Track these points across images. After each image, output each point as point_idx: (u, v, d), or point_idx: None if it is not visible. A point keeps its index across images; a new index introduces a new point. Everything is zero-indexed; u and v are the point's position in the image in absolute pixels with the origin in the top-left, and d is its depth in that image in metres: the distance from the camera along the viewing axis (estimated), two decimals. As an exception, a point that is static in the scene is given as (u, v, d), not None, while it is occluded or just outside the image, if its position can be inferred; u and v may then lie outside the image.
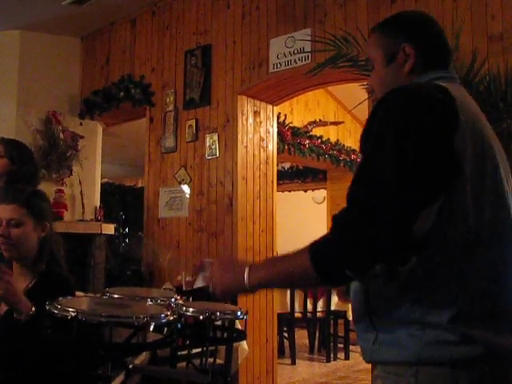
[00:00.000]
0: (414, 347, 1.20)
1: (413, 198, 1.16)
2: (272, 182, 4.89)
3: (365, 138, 1.26)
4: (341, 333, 6.46)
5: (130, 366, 2.26)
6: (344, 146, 7.12)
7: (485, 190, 1.26)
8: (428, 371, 1.20)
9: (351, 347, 6.52)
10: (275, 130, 5.01)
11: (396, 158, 1.16)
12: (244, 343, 3.60)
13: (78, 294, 2.54)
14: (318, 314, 6.31)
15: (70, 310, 1.71)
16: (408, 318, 1.22)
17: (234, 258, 1.46)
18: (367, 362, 1.36)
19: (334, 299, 6.19)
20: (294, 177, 8.96)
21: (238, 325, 3.20)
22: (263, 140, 4.82)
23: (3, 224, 2.19)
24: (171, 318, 1.90)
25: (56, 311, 1.73)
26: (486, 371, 1.21)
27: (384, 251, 1.16)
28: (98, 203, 5.81)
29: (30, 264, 2.24)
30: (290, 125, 6.17)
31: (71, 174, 5.51)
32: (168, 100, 5.07)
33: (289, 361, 6.03)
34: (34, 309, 1.99)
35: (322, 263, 1.21)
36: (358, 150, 1.43)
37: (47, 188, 5.09)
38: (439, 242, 1.20)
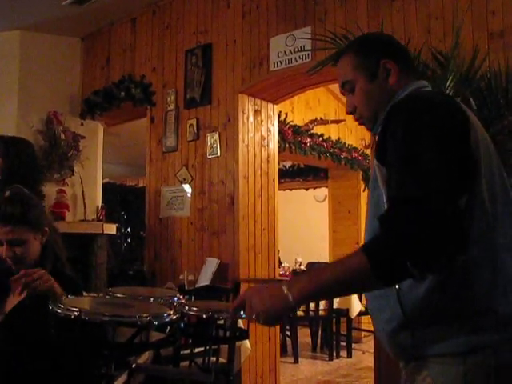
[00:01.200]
0: (457, 337, 1.26)
1: (459, 190, 1.21)
2: (273, 180, 4.89)
3: (390, 143, 1.29)
4: (343, 331, 6.46)
5: (133, 366, 2.26)
6: (345, 144, 7.11)
7: (495, 186, 1.33)
8: (475, 357, 1.25)
9: (354, 345, 6.53)
10: (276, 128, 5.01)
11: (437, 155, 1.21)
12: (246, 342, 3.60)
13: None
14: (321, 313, 6.30)
15: (74, 309, 1.71)
16: (446, 310, 1.27)
17: (261, 285, 1.38)
18: (408, 360, 1.39)
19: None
20: (295, 175, 8.95)
21: (241, 324, 3.21)
22: (264, 139, 4.82)
23: (4, 245, 2.16)
24: (174, 318, 1.90)
25: (59, 311, 1.73)
26: None
27: (446, 241, 1.15)
28: (99, 203, 5.81)
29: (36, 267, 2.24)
30: (291, 123, 6.16)
31: (72, 175, 5.51)
32: (169, 99, 5.07)
33: (291, 359, 6.03)
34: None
35: (380, 260, 1.18)
36: (374, 156, 1.44)
37: (49, 188, 5.10)
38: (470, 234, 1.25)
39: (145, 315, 1.81)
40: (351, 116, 1.59)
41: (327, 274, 1.26)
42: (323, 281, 1.25)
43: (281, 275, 6.53)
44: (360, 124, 1.58)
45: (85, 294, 2.63)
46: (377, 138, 1.42)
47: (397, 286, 1.31)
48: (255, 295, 1.32)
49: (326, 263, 1.31)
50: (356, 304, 6.22)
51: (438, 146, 1.22)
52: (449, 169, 1.20)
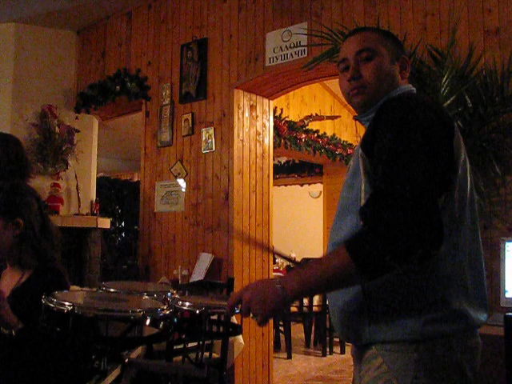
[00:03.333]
0: (414, 325, 1.33)
1: (439, 190, 1.29)
2: (268, 176, 4.89)
3: (380, 137, 1.35)
4: (336, 327, 6.46)
5: (126, 360, 2.25)
6: (340, 140, 7.12)
7: (466, 192, 1.42)
8: (428, 345, 1.33)
9: (347, 341, 6.54)
10: (271, 124, 5.00)
11: (425, 155, 1.28)
12: (240, 337, 3.61)
13: (74, 288, 2.53)
14: (314, 309, 6.32)
15: (66, 303, 1.70)
16: (406, 298, 1.34)
17: (254, 284, 1.42)
18: (363, 344, 1.43)
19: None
20: (290, 171, 8.97)
21: (234, 319, 3.20)
22: (259, 134, 4.82)
23: None
24: (167, 312, 1.90)
25: (52, 305, 1.72)
26: (474, 341, 1.40)
27: (424, 235, 1.21)
28: (93, 197, 5.80)
29: (16, 261, 2.20)
30: (287, 119, 6.16)
31: (67, 168, 5.49)
32: (164, 94, 5.05)
33: (285, 355, 6.04)
34: (20, 325, 1.97)
35: (361, 254, 1.24)
36: (360, 145, 1.46)
37: (43, 182, 5.10)
38: None
39: (138, 310, 1.81)
40: (346, 112, 1.61)
41: (315, 274, 1.31)
42: (312, 282, 1.32)
43: (274, 271, 6.54)
44: (354, 94, 1.56)
45: (77, 287, 2.62)
46: (366, 128, 1.50)
47: None
48: (253, 297, 1.34)
49: (315, 259, 1.34)
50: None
51: (426, 147, 1.29)
52: (433, 169, 1.27)
